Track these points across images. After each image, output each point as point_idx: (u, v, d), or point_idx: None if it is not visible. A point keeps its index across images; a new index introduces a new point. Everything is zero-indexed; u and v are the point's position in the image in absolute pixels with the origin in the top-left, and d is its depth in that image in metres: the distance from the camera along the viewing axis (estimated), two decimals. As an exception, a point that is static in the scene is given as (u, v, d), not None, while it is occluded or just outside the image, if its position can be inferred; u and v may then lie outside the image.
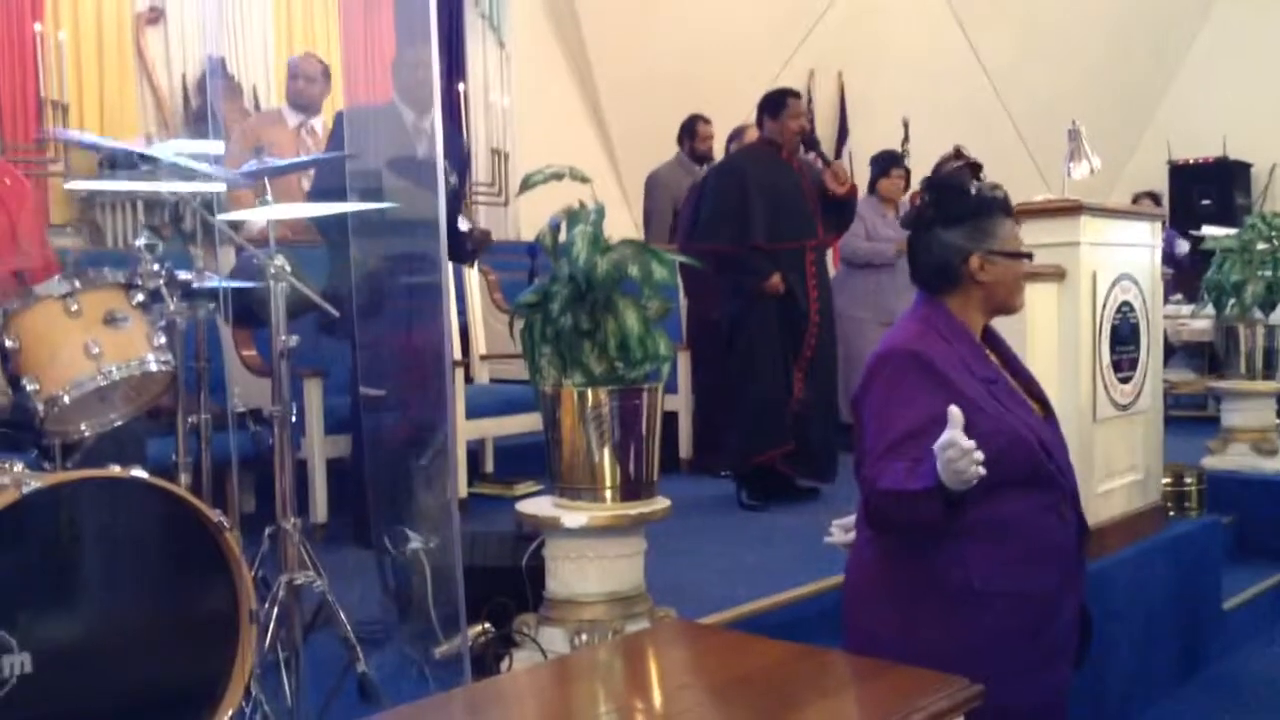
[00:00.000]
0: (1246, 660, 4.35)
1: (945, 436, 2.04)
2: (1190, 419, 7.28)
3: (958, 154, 5.86)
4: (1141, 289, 3.92)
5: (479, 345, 5.75)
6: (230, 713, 2.44)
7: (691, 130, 6.60)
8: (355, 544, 4.00)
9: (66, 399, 2.52)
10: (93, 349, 2.53)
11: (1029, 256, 2.46)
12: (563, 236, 3.00)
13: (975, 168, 2.89)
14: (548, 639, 2.89)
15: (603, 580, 2.90)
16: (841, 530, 2.70)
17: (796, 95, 5.30)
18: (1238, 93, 9.53)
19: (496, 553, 3.34)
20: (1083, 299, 3.62)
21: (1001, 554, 2.28)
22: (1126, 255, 3.86)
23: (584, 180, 3.03)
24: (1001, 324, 2.53)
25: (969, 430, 2.08)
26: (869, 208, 6.26)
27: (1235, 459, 5.38)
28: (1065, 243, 3.61)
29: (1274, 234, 5.54)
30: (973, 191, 2.43)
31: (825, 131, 9.59)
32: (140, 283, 2.66)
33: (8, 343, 2.53)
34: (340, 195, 3.44)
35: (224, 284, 3.04)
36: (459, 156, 5.10)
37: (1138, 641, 3.79)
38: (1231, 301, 5.53)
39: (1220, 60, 9.75)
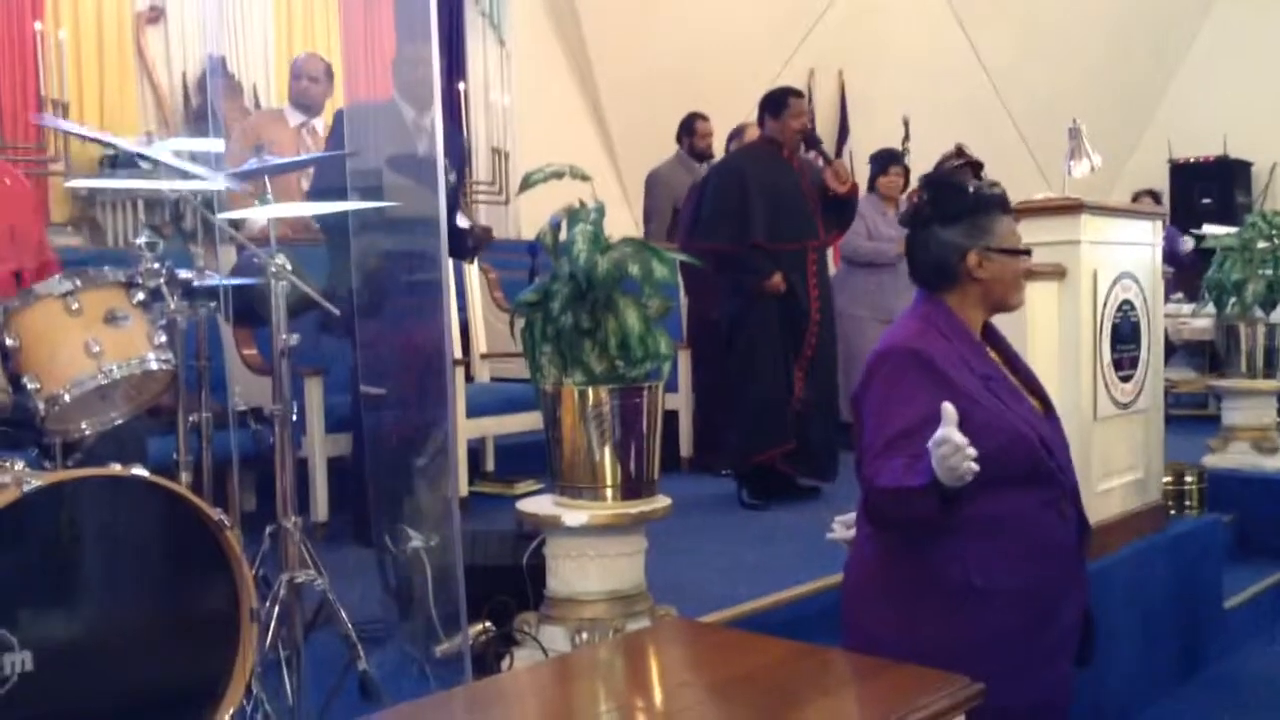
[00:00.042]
0: (1247, 660, 4.35)
1: (939, 433, 2.05)
2: (1191, 418, 7.28)
3: (959, 152, 5.85)
4: (1142, 287, 3.92)
5: (479, 344, 5.75)
6: (231, 711, 2.44)
7: (690, 128, 6.60)
8: (356, 542, 4.01)
9: (67, 397, 2.52)
10: (93, 347, 2.53)
11: (1027, 253, 2.46)
12: (563, 235, 3.00)
13: (976, 166, 2.89)
14: (548, 637, 2.89)
15: (603, 579, 2.90)
16: (843, 526, 2.71)
17: (798, 94, 5.29)
18: (1238, 91, 9.53)
19: (497, 551, 3.34)
20: (1083, 297, 3.62)
21: (1001, 551, 2.28)
22: (1127, 254, 3.86)
23: (584, 179, 3.03)
24: (1002, 322, 2.54)
25: (967, 427, 2.09)
26: (870, 206, 6.26)
27: (1236, 458, 5.39)
28: (1066, 241, 3.61)
29: (1274, 232, 5.54)
30: (970, 189, 2.44)
31: (826, 131, 9.59)
32: (141, 281, 2.65)
33: (8, 341, 2.53)
34: (340, 194, 3.44)
35: (224, 282, 3.04)
36: (458, 154, 5.09)
37: (1138, 640, 3.79)
38: (1232, 300, 5.53)
39: (1220, 59, 9.76)
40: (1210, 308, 5.84)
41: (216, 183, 3.14)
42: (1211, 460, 5.35)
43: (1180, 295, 7.84)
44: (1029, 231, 3.05)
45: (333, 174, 3.70)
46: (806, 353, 5.09)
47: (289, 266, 2.90)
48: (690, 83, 8.01)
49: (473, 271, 5.83)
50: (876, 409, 2.31)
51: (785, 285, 5.00)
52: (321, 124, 5.65)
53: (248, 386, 4.05)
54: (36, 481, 2.24)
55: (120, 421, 2.72)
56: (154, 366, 2.62)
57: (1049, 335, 3.57)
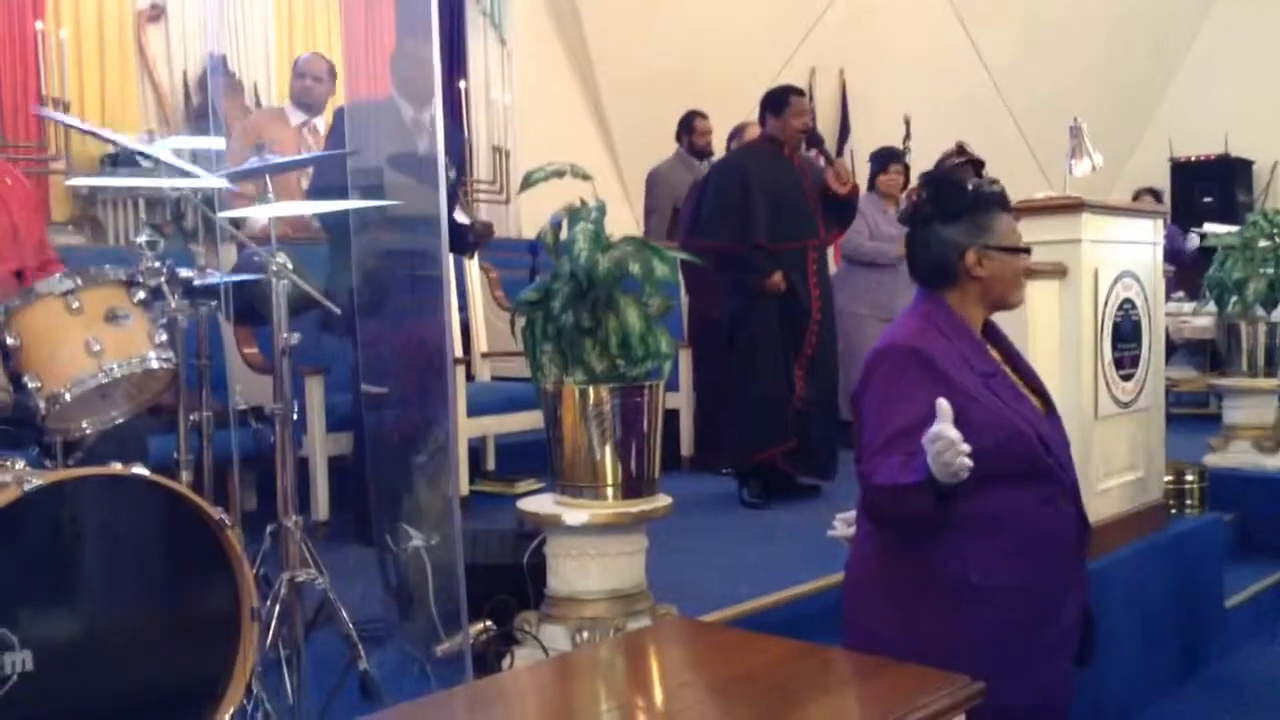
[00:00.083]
0: (1248, 659, 4.35)
1: (933, 429, 2.05)
2: (1192, 416, 7.28)
3: (960, 150, 5.84)
4: (1143, 286, 3.92)
5: (480, 343, 5.75)
6: (232, 710, 2.44)
7: (689, 126, 6.61)
8: (357, 542, 4.01)
9: (68, 396, 2.52)
10: (94, 346, 2.53)
11: (1026, 251, 2.46)
12: (564, 234, 3.00)
13: (977, 164, 2.89)
14: (549, 636, 2.89)
15: (604, 578, 2.89)
16: (844, 524, 2.71)
17: (800, 93, 5.29)
18: (1239, 90, 9.52)
19: (498, 550, 3.34)
20: (1084, 296, 3.61)
21: (1000, 548, 2.28)
22: (1128, 252, 3.86)
23: (585, 178, 3.03)
24: (1003, 321, 2.53)
25: (966, 424, 2.09)
26: (870, 205, 6.25)
27: (1237, 456, 5.38)
28: (1067, 240, 3.61)
29: (1275, 231, 5.53)
30: (969, 187, 2.44)
31: (827, 129, 9.59)
32: (141, 280, 2.65)
33: (9, 340, 2.53)
34: (339, 192, 3.44)
35: (225, 281, 3.04)
36: (457, 150, 5.08)
37: (1139, 640, 3.79)
38: (1233, 299, 5.53)
39: (1221, 57, 9.75)
40: (1211, 306, 5.83)
41: (217, 181, 3.14)
42: (1212, 459, 5.35)
43: (1181, 294, 7.83)
44: (1030, 230, 3.04)
45: (332, 172, 3.70)
46: (807, 351, 5.09)
47: (290, 265, 2.90)
48: (691, 82, 8.01)
49: (474, 270, 5.83)
50: (876, 407, 2.31)
51: (786, 284, 5.00)
52: (323, 123, 5.65)
53: (248, 385, 4.05)
54: (37, 480, 2.24)
55: (121, 420, 2.72)
56: (155, 365, 2.62)
57: (1050, 334, 3.57)
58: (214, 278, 2.98)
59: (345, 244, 3.53)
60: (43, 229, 3.54)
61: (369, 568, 3.38)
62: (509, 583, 3.10)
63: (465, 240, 4.58)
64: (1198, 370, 7.84)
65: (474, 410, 4.83)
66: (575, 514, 2.87)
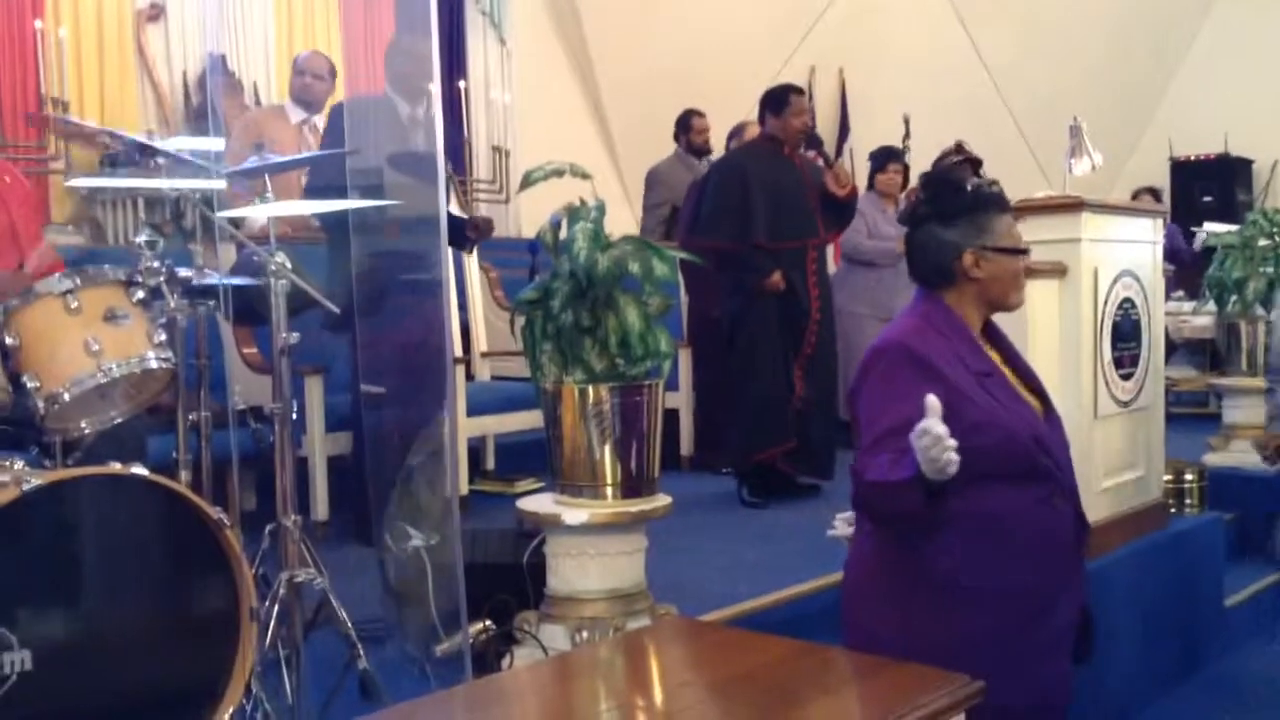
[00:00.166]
0: (1248, 659, 4.35)
1: (920, 425, 2.06)
2: (1191, 416, 7.28)
3: (959, 149, 5.85)
4: (1143, 285, 3.92)
5: (480, 342, 5.75)
6: (231, 710, 2.44)
7: (686, 124, 6.61)
8: (356, 541, 4.00)
9: (67, 396, 2.52)
10: (93, 346, 2.53)
11: (1025, 252, 2.45)
12: (563, 233, 2.99)
13: (975, 163, 2.89)
14: (549, 636, 2.89)
15: (604, 577, 2.89)
16: (844, 523, 2.71)
17: (800, 92, 5.28)
18: (1239, 89, 9.52)
19: (497, 550, 3.34)
20: (1084, 296, 3.61)
21: (996, 548, 2.28)
22: (1128, 252, 3.86)
23: (585, 177, 3.03)
24: (1003, 321, 2.53)
25: (960, 423, 2.10)
26: (869, 204, 6.25)
27: (1236, 456, 5.38)
28: (1066, 239, 3.61)
29: (1275, 230, 5.53)
30: (967, 188, 2.44)
31: (826, 129, 9.59)
32: (141, 280, 2.65)
33: (8, 340, 2.53)
34: (336, 190, 3.44)
35: (224, 281, 3.03)
36: (449, 145, 5.06)
37: (1138, 639, 3.79)
38: (1233, 298, 5.53)
39: (1221, 57, 9.75)
40: (1211, 306, 5.83)
41: (219, 181, 3.14)
42: (1212, 458, 5.35)
43: (1181, 293, 7.83)
44: (1030, 229, 3.04)
45: (330, 171, 3.69)
46: (806, 351, 5.09)
47: (289, 265, 2.90)
48: (691, 81, 8.01)
49: (473, 269, 5.83)
50: (870, 404, 2.32)
51: (785, 284, 5.00)
52: (322, 121, 5.64)
53: (247, 385, 4.05)
54: (36, 480, 2.24)
55: (120, 420, 2.72)
56: (154, 365, 2.61)
57: (1049, 333, 3.57)
58: (213, 278, 2.98)
59: (344, 243, 3.52)
60: (40, 228, 3.54)
61: (368, 567, 3.38)
62: (508, 582, 3.10)
63: (462, 235, 4.57)
64: (1197, 370, 7.84)
65: (473, 410, 4.83)
66: (575, 513, 2.87)
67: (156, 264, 2.68)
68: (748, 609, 3.48)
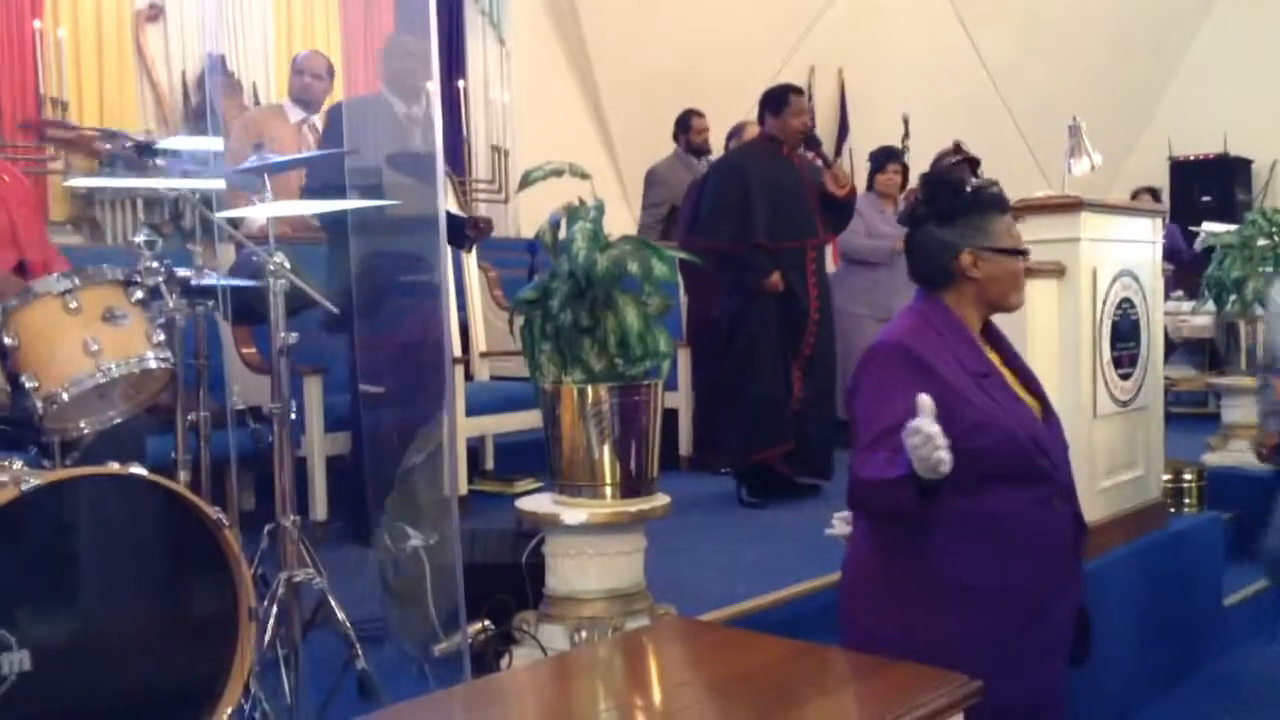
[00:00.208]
0: (1247, 658, 4.35)
1: (911, 423, 2.06)
2: (1190, 415, 7.28)
3: (957, 149, 5.85)
4: (1142, 285, 3.92)
5: (479, 342, 5.75)
6: (229, 710, 2.44)
7: (685, 124, 6.61)
8: (355, 541, 4.00)
9: (65, 396, 2.51)
10: (92, 346, 2.53)
11: (1023, 253, 2.45)
12: (562, 233, 3.00)
13: (973, 163, 2.89)
14: (547, 636, 2.89)
15: (602, 577, 2.89)
16: (843, 522, 2.71)
17: (799, 92, 5.28)
18: (1238, 89, 9.52)
19: (496, 550, 3.34)
20: (1083, 295, 3.61)
21: (993, 549, 2.28)
22: (1127, 251, 3.86)
23: (584, 177, 3.03)
24: (1002, 320, 2.53)
25: (956, 423, 2.10)
26: (868, 204, 6.25)
27: (1235, 455, 5.38)
28: (1065, 239, 3.60)
29: (1274, 230, 5.53)
30: (966, 188, 2.44)
31: (825, 129, 9.59)
32: (139, 280, 2.65)
33: (6, 340, 2.53)
34: (334, 190, 3.44)
35: (223, 281, 3.03)
36: (452, 145, 5.06)
37: (1137, 639, 3.79)
38: (1232, 298, 5.53)
39: (1220, 56, 9.75)
40: (1210, 305, 5.83)
41: (217, 181, 3.14)
42: (1211, 458, 5.35)
43: (1180, 293, 7.83)
44: (1028, 229, 3.04)
45: (328, 171, 3.69)
46: (805, 352, 5.09)
47: (287, 265, 2.90)
48: (690, 81, 8.01)
49: (472, 269, 5.83)
50: (866, 403, 2.32)
51: (784, 284, 5.00)
52: (321, 121, 5.64)
53: (246, 385, 4.05)
54: (35, 480, 2.24)
55: (119, 420, 2.72)
56: (152, 365, 2.61)
57: (1048, 333, 3.57)
58: (211, 278, 2.98)
59: (343, 243, 3.52)
60: (42, 227, 3.53)
61: (367, 567, 3.38)
62: (507, 582, 3.10)
63: (461, 233, 4.57)
64: (1196, 369, 7.83)
65: (472, 410, 4.83)
66: (574, 513, 2.87)
67: (155, 264, 2.68)
68: (746, 609, 3.49)
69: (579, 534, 2.89)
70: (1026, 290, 2.50)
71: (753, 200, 5.01)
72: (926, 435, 2.04)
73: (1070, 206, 3.61)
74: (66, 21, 6.35)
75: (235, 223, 3.46)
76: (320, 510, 4.38)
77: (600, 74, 9.37)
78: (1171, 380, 6.52)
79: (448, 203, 4.41)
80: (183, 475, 2.85)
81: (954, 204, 2.41)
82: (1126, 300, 3.82)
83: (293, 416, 2.93)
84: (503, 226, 8.30)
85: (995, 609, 2.27)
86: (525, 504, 3.02)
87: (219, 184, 3.18)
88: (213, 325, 3.96)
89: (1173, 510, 4.30)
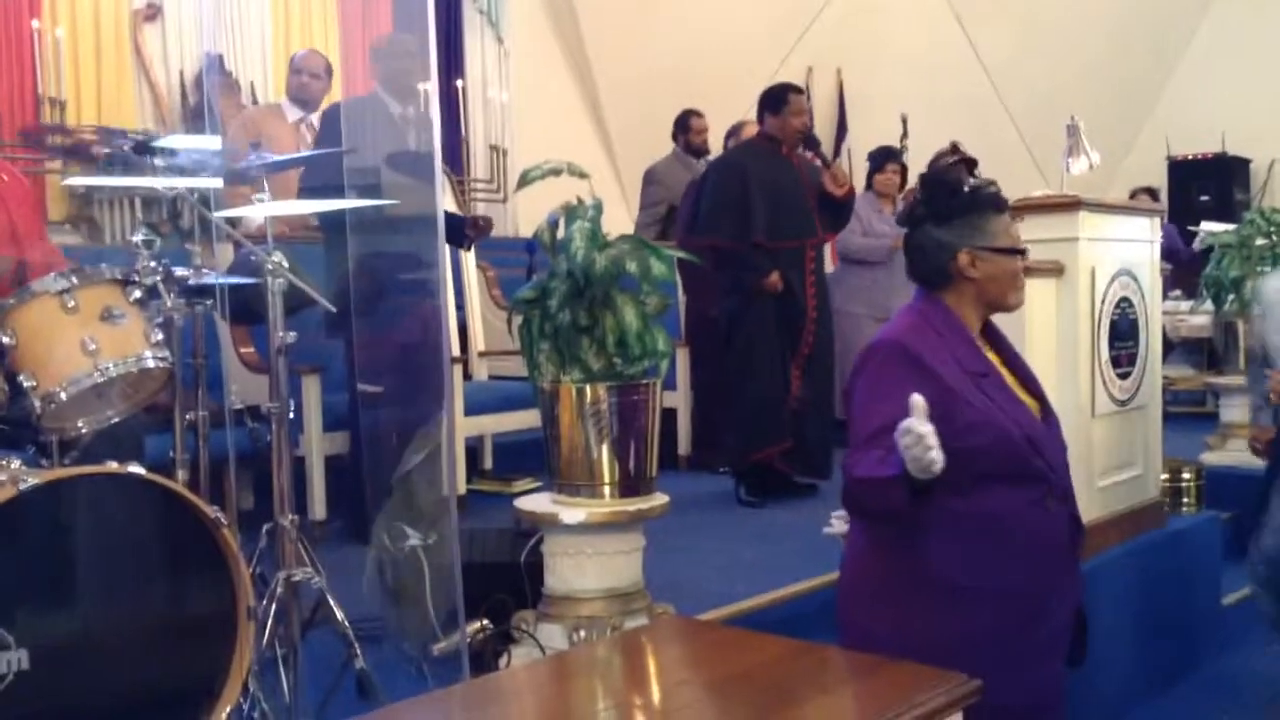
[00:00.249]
0: (1245, 658, 4.35)
1: (903, 423, 2.06)
2: (1189, 415, 7.28)
3: (954, 150, 5.84)
4: (1140, 284, 3.92)
5: (477, 341, 5.75)
6: (228, 709, 2.44)
7: (685, 124, 6.61)
8: (353, 541, 4.00)
9: (63, 395, 2.51)
10: (90, 345, 2.53)
11: (1021, 252, 2.45)
12: (561, 233, 3.00)
13: (970, 164, 2.90)
14: (546, 635, 2.89)
15: (601, 576, 2.89)
16: (841, 521, 2.71)
17: (798, 91, 5.28)
18: (1236, 89, 9.52)
19: (495, 549, 3.34)
20: (1081, 295, 3.61)
21: (989, 549, 2.28)
22: (1125, 251, 3.86)
23: (582, 176, 3.03)
24: (1001, 319, 2.53)
25: (953, 423, 2.10)
26: (865, 203, 6.25)
27: (1234, 455, 5.38)
28: (1064, 238, 3.60)
29: (1272, 229, 5.53)
30: (964, 188, 2.44)
31: (824, 128, 9.59)
32: (138, 279, 2.65)
33: (4, 339, 2.52)
34: (331, 190, 3.44)
35: (221, 280, 3.03)
36: (451, 144, 5.05)
37: (1136, 638, 3.79)
38: (1230, 297, 5.53)
39: (1219, 56, 9.75)
40: (1208, 305, 5.83)
41: (215, 180, 3.14)
42: (1209, 457, 5.35)
43: (1178, 292, 7.83)
44: (1027, 229, 3.04)
45: (324, 171, 3.69)
46: (804, 351, 5.09)
47: (285, 264, 2.90)
48: (688, 81, 8.01)
49: (471, 269, 5.83)
50: (862, 401, 2.33)
51: (783, 283, 5.00)
52: (318, 121, 5.64)
53: (245, 384, 4.05)
54: (33, 479, 2.24)
55: (117, 419, 2.72)
56: (150, 364, 2.61)
57: (1047, 332, 3.57)
58: (210, 277, 2.98)
59: (341, 242, 3.52)
60: (41, 226, 3.53)
61: (365, 566, 3.38)
62: (506, 581, 3.10)
63: (461, 232, 4.56)
64: (1195, 369, 7.84)
65: (471, 409, 4.83)
66: (572, 513, 2.87)
67: (153, 263, 2.67)
68: (745, 608, 3.49)
69: (577, 533, 2.89)
70: (1025, 290, 2.50)
71: (752, 199, 5.01)
72: (918, 435, 2.04)
73: (1068, 206, 3.61)
74: (64, 21, 6.35)
75: (233, 222, 3.46)
76: (319, 509, 4.38)
77: (599, 73, 9.37)
78: (1170, 379, 6.52)
79: (446, 202, 4.41)
80: (181, 474, 2.85)
81: (951, 204, 2.41)
82: (1125, 299, 3.82)
83: (291, 416, 2.93)
84: (501, 226, 8.30)
85: (991, 609, 2.27)
86: (524, 503, 3.02)
87: (217, 183, 3.17)
88: (211, 324, 3.96)
89: (1171, 510, 4.30)
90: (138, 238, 2.69)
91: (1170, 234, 7.57)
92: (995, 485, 2.27)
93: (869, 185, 6.47)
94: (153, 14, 6.82)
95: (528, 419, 4.88)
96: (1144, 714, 3.78)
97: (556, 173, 3.02)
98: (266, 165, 3.17)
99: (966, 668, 2.00)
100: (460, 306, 5.67)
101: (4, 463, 2.38)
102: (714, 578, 3.80)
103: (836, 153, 9.38)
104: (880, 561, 2.37)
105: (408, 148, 3.81)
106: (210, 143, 3.96)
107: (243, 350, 4.52)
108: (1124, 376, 3.82)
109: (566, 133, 8.90)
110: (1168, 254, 5.96)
